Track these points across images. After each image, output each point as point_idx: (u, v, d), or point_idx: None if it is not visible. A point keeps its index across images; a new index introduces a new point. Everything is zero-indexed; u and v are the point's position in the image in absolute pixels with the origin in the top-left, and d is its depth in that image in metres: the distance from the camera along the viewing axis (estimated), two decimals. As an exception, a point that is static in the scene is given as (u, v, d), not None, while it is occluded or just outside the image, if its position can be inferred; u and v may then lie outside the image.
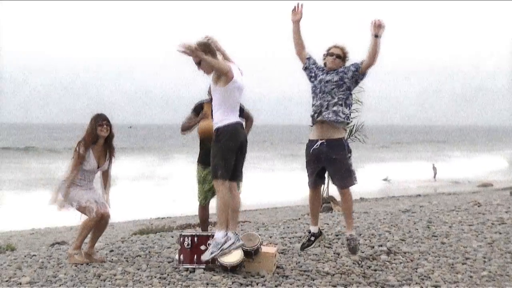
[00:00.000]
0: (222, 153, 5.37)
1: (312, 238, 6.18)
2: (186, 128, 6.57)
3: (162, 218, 15.73)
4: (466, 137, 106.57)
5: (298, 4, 5.95)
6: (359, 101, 12.98)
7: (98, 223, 6.12)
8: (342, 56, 5.91)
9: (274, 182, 26.50)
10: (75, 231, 12.68)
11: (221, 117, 5.43)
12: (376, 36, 5.76)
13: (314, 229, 6.21)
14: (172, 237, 7.76)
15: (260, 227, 8.63)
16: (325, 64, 6.02)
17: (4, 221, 15.76)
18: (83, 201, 6.03)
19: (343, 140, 5.94)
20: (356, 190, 6.10)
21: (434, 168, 32.23)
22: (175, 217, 15.09)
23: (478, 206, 9.96)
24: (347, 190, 5.96)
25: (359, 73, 5.88)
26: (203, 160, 6.48)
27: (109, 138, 6.19)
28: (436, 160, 37.55)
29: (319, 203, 6.26)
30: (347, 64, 6.00)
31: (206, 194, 6.65)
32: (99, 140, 6.13)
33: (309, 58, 6.09)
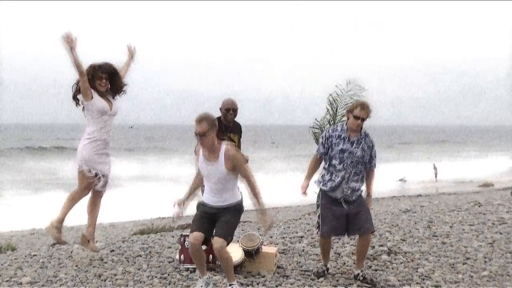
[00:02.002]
0: (236, 224, 5.21)
1: (325, 271, 5.97)
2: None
3: (163, 218, 15.72)
4: (474, 137, 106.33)
5: None
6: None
7: (93, 197, 5.99)
8: (366, 118, 5.59)
9: (274, 182, 26.49)
10: (75, 231, 12.69)
11: (237, 193, 5.18)
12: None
13: (326, 263, 6.02)
14: (173, 237, 7.76)
15: (261, 227, 8.63)
16: (347, 118, 5.68)
17: (5, 221, 15.76)
18: (87, 167, 5.82)
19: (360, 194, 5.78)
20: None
21: (435, 168, 32.18)
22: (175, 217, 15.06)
23: (479, 206, 9.95)
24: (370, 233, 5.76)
25: (365, 160, 5.68)
26: None
27: (109, 93, 5.96)
28: (440, 160, 37.51)
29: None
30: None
31: None
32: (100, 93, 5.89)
33: (321, 151, 5.70)
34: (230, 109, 6.51)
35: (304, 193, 5.69)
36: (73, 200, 5.91)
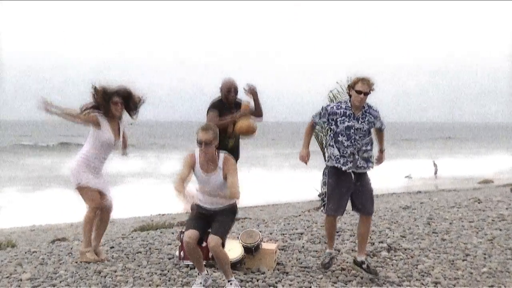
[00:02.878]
0: (231, 225, 5.24)
1: (332, 258, 5.97)
2: (222, 126, 6.12)
3: (163, 215, 15.73)
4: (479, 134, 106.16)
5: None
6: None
7: (101, 215, 6.04)
8: (369, 92, 5.63)
9: (274, 179, 26.49)
10: (75, 228, 12.70)
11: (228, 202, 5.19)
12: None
13: (331, 250, 6.04)
14: (173, 233, 7.76)
15: (261, 223, 8.63)
16: (348, 94, 5.73)
17: (5, 217, 15.77)
18: (89, 187, 5.85)
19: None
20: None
21: (435, 165, 32.17)
22: (176, 214, 15.07)
23: (479, 203, 9.95)
24: (371, 216, 5.82)
25: (373, 127, 5.77)
26: None
27: (121, 116, 6.01)
28: (439, 158, 37.48)
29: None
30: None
31: None
32: (112, 117, 5.92)
33: (316, 120, 5.77)
34: (231, 89, 6.38)
35: (306, 162, 5.69)
36: (88, 222, 5.95)
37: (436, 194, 17.79)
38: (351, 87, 5.67)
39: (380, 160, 5.90)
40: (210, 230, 5.04)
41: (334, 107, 5.69)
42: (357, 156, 5.62)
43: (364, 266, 5.71)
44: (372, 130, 5.81)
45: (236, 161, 6.41)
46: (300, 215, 9.81)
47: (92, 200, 5.90)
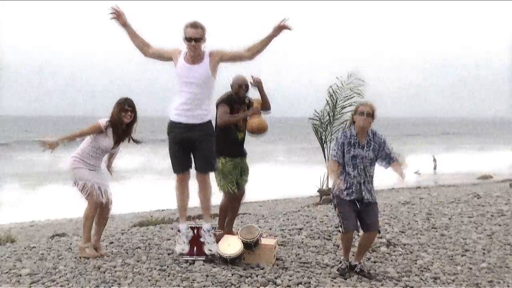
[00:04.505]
0: (213, 149, 5.36)
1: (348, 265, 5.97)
2: (233, 122, 6.29)
3: (162, 210, 15.75)
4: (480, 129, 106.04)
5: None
6: (360, 94, 12.96)
7: (100, 211, 6.07)
8: (371, 114, 5.61)
9: (274, 175, 26.50)
10: (75, 223, 12.71)
11: (209, 109, 5.35)
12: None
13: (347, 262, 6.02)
14: (172, 229, 7.76)
15: (260, 219, 8.63)
16: (352, 122, 5.69)
17: (4, 213, 15.78)
18: (89, 184, 5.92)
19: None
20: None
21: (435, 160, 32.21)
22: (175, 209, 15.09)
23: (478, 198, 9.96)
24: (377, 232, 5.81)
25: (381, 159, 5.69)
26: (227, 152, 6.33)
27: (131, 123, 6.10)
28: (438, 153, 37.48)
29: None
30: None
31: (237, 182, 6.50)
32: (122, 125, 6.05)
33: (338, 158, 5.61)
34: (242, 85, 6.45)
35: (342, 184, 5.60)
36: (88, 218, 5.99)
37: (435, 189, 17.80)
38: (354, 114, 5.68)
39: (398, 168, 5.71)
40: (194, 162, 5.15)
41: (342, 137, 5.67)
42: (363, 187, 5.59)
43: (357, 269, 5.70)
44: (390, 168, 5.70)
45: (245, 154, 6.49)
46: (299, 211, 9.81)
47: (92, 197, 5.94)
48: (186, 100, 5.17)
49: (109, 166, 6.33)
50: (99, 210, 6.06)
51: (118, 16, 5.38)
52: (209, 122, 5.36)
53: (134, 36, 5.42)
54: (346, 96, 13.28)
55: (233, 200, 6.52)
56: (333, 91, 13.38)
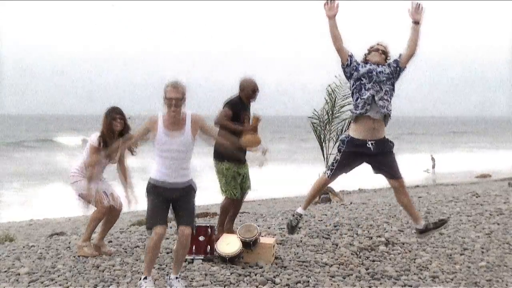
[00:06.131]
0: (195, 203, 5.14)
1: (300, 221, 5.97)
2: (228, 128, 6.12)
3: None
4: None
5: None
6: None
7: (108, 215, 6.10)
8: (386, 52, 5.69)
9: (272, 173, 26.49)
10: (73, 222, 12.70)
11: (190, 167, 5.09)
12: (417, 23, 5.62)
13: (305, 212, 6.00)
14: (171, 228, 7.75)
15: (259, 218, 8.63)
16: (366, 60, 5.75)
17: (3, 212, 15.76)
18: (93, 191, 5.97)
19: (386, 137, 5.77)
20: (388, 183, 5.86)
21: (433, 159, 32.18)
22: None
23: (477, 197, 9.96)
24: (403, 179, 5.73)
25: (400, 67, 5.69)
26: (232, 157, 6.24)
27: (124, 131, 6.12)
28: (437, 152, 37.46)
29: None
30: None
31: (240, 187, 6.53)
32: (115, 134, 6.09)
33: (351, 56, 5.70)
34: (256, 90, 6.44)
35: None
36: (94, 220, 6.05)
37: (434, 188, 17.82)
38: (367, 54, 5.76)
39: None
40: (177, 219, 4.94)
41: (355, 62, 5.71)
42: (376, 98, 5.53)
43: (430, 226, 5.73)
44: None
45: (245, 153, 6.45)
46: (298, 210, 9.81)
47: (99, 202, 6.00)
48: (168, 165, 4.91)
49: (125, 180, 6.44)
50: (109, 213, 6.10)
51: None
52: (191, 179, 5.08)
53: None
54: (345, 95, 13.27)
55: (235, 200, 6.53)
56: (332, 90, 13.37)
